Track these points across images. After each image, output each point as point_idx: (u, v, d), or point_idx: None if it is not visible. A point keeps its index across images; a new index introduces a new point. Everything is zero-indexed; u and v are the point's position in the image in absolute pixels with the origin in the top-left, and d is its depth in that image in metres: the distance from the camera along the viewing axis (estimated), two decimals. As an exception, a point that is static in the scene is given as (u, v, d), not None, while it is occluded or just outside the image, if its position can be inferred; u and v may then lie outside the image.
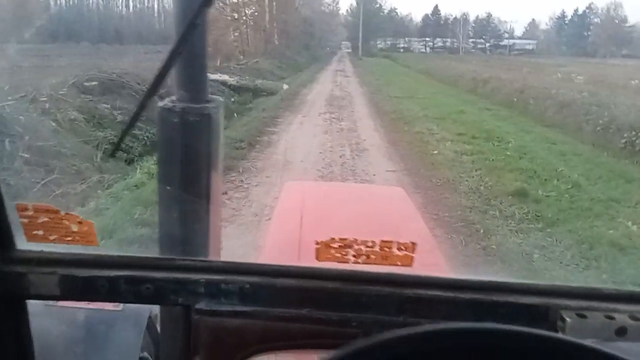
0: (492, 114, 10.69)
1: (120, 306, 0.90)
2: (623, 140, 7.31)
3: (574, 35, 69.55)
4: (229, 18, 27.56)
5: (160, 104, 0.74)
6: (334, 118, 9.71)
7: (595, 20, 69.60)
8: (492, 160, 6.49)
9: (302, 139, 7.58)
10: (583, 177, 5.70)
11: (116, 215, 3.96)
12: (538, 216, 4.45)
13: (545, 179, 5.56)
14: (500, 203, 4.78)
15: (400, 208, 1.72)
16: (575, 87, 12.56)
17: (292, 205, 1.68)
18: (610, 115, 8.29)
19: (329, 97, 13.42)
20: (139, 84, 10.73)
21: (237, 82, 16.30)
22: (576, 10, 71.33)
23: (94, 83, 10.36)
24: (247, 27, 31.46)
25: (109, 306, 0.90)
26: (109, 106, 9.68)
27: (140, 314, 0.93)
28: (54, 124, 7.52)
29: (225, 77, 15.59)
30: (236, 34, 29.74)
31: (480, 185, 5.32)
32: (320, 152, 6.57)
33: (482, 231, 4.08)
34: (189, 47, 0.70)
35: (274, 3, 33.80)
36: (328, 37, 59.23)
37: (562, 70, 23.04)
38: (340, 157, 6.50)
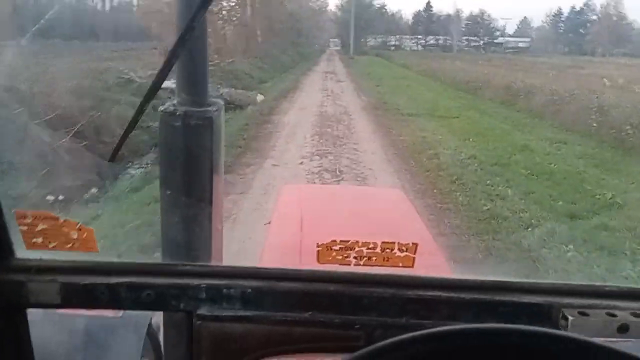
0: (580, 154, 6.70)
1: (120, 313, 0.87)
2: None
3: (571, 32, 66.57)
4: (202, 11, 23.53)
5: (162, 107, 0.74)
6: (325, 171, 5.61)
7: (593, 17, 66.60)
8: None
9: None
10: None
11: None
12: None
13: None
14: None
15: (400, 209, 1.70)
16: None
17: (290, 208, 1.70)
18: None
19: (317, 119, 9.31)
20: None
21: (196, 91, 12.15)
22: (573, 7, 68.35)
23: None
24: (225, 22, 27.58)
25: (108, 313, 0.87)
26: None
27: (140, 320, 0.90)
28: None
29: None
30: (209, 29, 25.75)
31: None
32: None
33: None
34: (189, 51, 0.71)
35: (256, -4, 29.90)
36: (316, 34, 55.82)
37: (588, 73, 19.28)
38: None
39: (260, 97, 12.53)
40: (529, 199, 4.75)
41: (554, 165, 6.04)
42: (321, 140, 7.20)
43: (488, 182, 5.26)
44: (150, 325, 0.87)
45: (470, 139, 7.60)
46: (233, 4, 28.29)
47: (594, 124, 8.10)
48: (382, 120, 9.47)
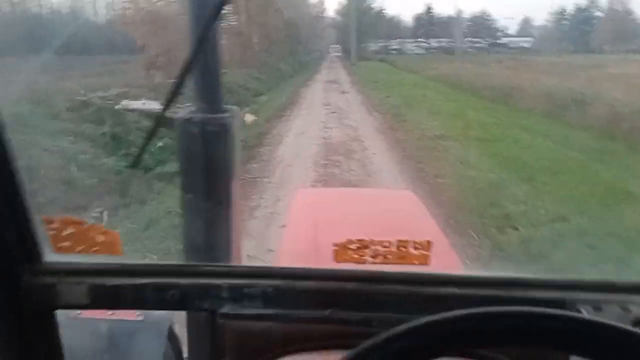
0: None
1: (141, 316, 0.88)
2: None
3: (576, 30, 64.53)
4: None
5: (179, 115, 0.78)
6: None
7: (598, 14, 64.50)
8: None
9: None
10: None
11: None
12: None
13: None
14: None
15: (412, 210, 1.73)
16: None
17: (304, 210, 1.73)
18: None
19: (321, 150, 7.06)
20: None
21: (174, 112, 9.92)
22: (577, 5, 66.30)
23: None
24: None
25: (130, 316, 0.89)
26: None
27: (161, 322, 0.91)
28: None
29: (152, 105, 8.97)
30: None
31: None
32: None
33: None
34: (203, 59, 0.75)
35: (252, 4, 28.01)
36: (315, 40, 53.93)
37: (621, 73, 16.99)
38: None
39: (250, 118, 10.30)
40: None
41: None
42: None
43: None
44: (171, 328, 0.85)
45: (538, 179, 5.38)
46: (227, 11, 26.46)
47: None
48: (406, 147, 7.24)
